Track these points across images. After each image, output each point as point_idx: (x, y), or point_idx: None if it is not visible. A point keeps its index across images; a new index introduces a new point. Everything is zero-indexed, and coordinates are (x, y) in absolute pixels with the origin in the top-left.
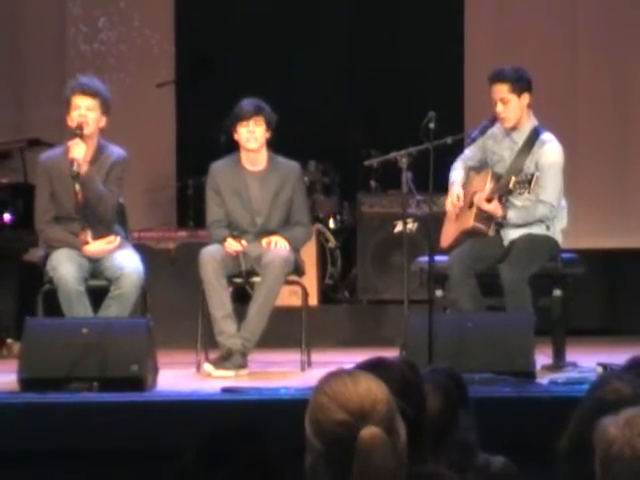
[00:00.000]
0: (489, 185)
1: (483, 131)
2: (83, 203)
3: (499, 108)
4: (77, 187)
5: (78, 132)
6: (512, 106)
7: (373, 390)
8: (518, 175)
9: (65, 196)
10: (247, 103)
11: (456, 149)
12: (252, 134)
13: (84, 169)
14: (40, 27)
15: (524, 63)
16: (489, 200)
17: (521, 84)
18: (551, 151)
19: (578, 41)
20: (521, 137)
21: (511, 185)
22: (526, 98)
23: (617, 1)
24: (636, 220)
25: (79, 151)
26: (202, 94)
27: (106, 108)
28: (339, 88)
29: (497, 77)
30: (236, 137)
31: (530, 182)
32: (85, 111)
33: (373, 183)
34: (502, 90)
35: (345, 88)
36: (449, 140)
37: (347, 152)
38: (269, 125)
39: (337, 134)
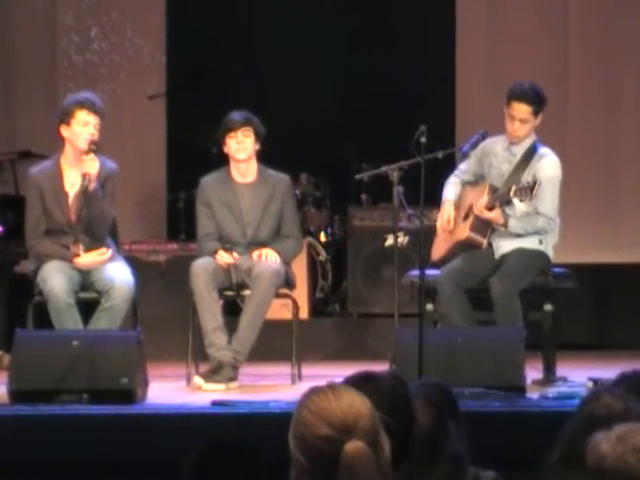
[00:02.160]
0: (486, 196)
1: (474, 145)
2: (82, 218)
3: (515, 126)
4: (71, 201)
5: (93, 148)
6: (529, 126)
7: (356, 405)
8: (517, 185)
9: (57, 210)
10: (235, 114)
11: (447, 163)
12: (241, 144)
13: (92, 185)
14: (32, 37)
15: (515, 77)
16: (490, 208)
17: (541, 107)
18: (549, 165)
19: (570, 54)
20: (520, 150)
21: (512, 193)
22: (539, 118)
23: (609, 11)
24: (626, 235)
25: (93, 167)
26: (194, 106)
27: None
28: (331, 101)
29: (522, 97)
30: (225, 149)
31: (532, 189)
32: (93, 129)
33: (364, 196)
34: (525, 111)
35: (337, 101)
36: (440, 154)
37: (338, 165)
38: (258, 137)
39: (329, 147)
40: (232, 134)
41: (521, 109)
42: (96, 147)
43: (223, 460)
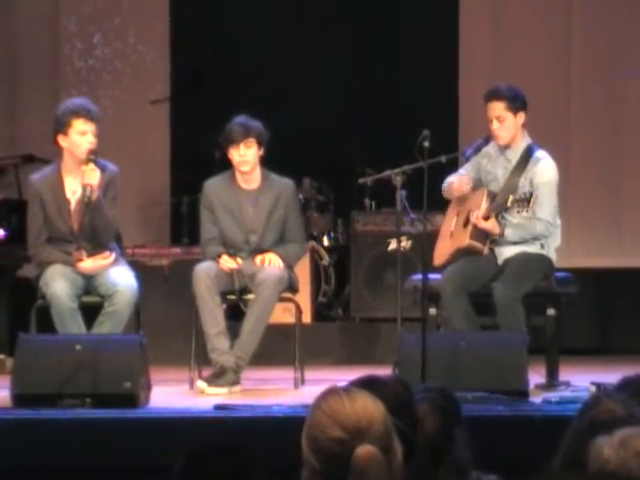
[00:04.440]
0: (485, 204)
1: (478, 149)
2: (84, 225)
3: (495, 126)
4: (73, 209)
5: (92, 158)
6: (508, 124)
7: (370, 408)
8: (514, 193)
9: (59, 219)
10: (236, 125)
11: (450, 168)
12: (243, 157)
13: (95, 195)
14: (35, 43)
15: (518, 82)
16: (486, 218)
17: (517, 103)
18: (546, 169)
19: (572, 60)
20: (515, 155)
21: (509, 203)
22: (521, 117)
23: (612, 20)
24: (629, 240)
25: (94, 177)
26: (197, 110)
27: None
28: (334, 106)
29: (493, 95)
30: (229, 156)
31: (529, 201)
32: (92, 137)
33: (367, 201)
34: (498, 108)
35: (340, 106)
36: (443, 159)
37: (342, 170)
38: (261, 144)
39: (332, 152)
40: (234, 146)
41: (494, 106)
42: (95, 157)
43: (210, 463)
